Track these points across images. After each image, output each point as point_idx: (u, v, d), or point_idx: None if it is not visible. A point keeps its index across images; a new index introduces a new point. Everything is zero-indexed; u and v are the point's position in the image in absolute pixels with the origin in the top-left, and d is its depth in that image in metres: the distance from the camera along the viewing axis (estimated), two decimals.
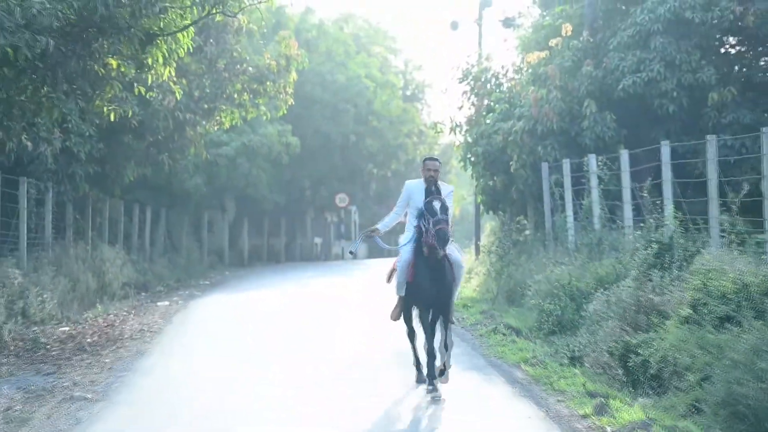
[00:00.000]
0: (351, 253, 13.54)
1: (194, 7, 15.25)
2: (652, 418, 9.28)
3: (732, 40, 21.91)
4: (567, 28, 22.87)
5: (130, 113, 18.06)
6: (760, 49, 21.47)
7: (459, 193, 55.34)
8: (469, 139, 25.17)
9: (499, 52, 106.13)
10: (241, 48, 23.61)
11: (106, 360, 13.14)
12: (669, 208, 15.39)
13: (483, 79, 25.35)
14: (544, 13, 26.64)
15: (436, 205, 10.87)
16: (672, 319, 11.36)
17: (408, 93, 49.12)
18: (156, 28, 14.66)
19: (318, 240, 45.94)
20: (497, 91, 25.01)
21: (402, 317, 11.74)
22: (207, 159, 28.15)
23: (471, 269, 25.41)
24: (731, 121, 20.17)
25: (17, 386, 11.21)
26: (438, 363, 11.34)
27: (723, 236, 14.33)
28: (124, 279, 22.66)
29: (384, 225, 11.51)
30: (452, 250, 11.28)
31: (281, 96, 23.38)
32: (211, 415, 9.79)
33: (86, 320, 16.91)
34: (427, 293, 11.09)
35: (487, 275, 21.94)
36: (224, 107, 22.74)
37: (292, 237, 43.87)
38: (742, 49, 21.85)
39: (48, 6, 12.99)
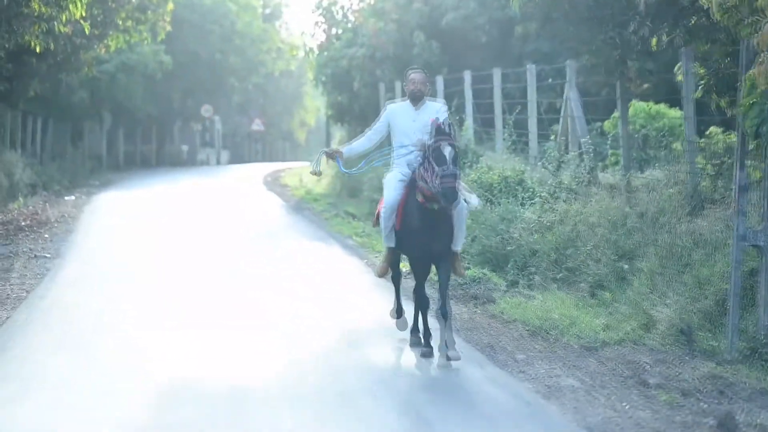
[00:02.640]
0: (314, 173, 10.24)
1: None
2: None
3: None
4: None
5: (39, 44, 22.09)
6: None
7: (314, 105, 60.07)
8: (321, 62, 29.83)
9: None
10: None
11: (46, 235, 17.53)
12: (467, 122, 20.48)
13: (333, 11, 29.92)
14: None
15: (447, 151, 8.63)
16: None
17: (267, 12, 53.45)
18: None
19: (185, 147, 50.20)
20: (344, 21, 29.65)
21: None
22: (89, 75, 32.03)
23: (322, 171, 30.39)
24: (533, 50, 25.18)
25: None
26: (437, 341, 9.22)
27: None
28: (27, 180, 26.74)
29: (349, 149, 9.81)
30: (462, 191, 9.16)
31: (160, 23, 27.60)
32: (136, 258, 14.66)
33: (12, 211, 21.11)
34: (420, 243, 9.11)
35: (333, 176, 26.77)
36: (111, 33, 26.75)
37: (161, 144, 48.28)
38: None
39: None
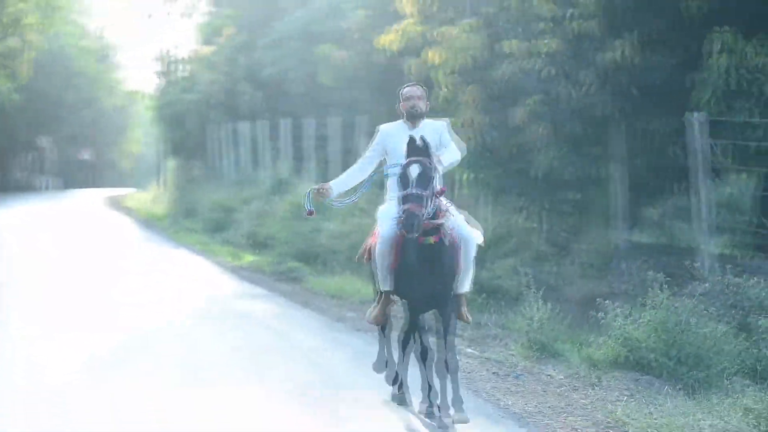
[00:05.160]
0: (309, 214, 8.67)
1: None
2: (259, 257, 19.84)
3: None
4: (229, 30, 33.08)
5: None
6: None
7: (140, 137, 64.86)
8: (159, 104, 35.11)
9: (183, 36, 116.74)
10: None
11: None
12: (288, 159, 26.24)
13: (172, 62, 35.22)
14: (214, 10, 36.68)
15: (413, 171, 7.77)
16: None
17: (103, 55, 58.33)
18: None
19: (23, 174, 54.56)
20: (182, 70, 34.99)
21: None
22: None
23: (157, 197, 35.57)
24: (339, 101, 31.00)
25: None
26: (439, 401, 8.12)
27: None
28: None
29: (339, 183, 8.64)
30: (459, 222, 8.18)
31: (21, 69, 32.42)
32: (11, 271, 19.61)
33: None
34: (418, 286, 8.03)
35: (171, 201, 31.93)
36: None
37: (4, 172, 52.62)
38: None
39: None
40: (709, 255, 12.67)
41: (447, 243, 7.95)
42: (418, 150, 7.88)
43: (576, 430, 8.02)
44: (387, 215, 8.23)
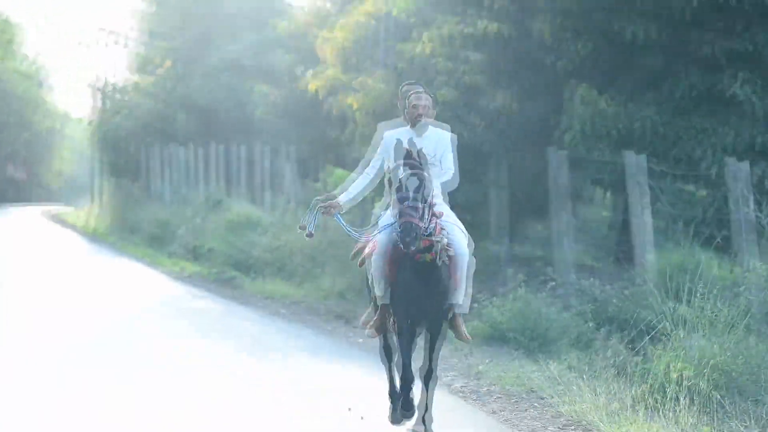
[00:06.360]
0: (308, 236, 8.24)
1: None
2: (201, 267, 22.95)
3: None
4: (168, 63, 36.14)
5: None
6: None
7: (71, 157, 67.52)
8: (100, 128, 37.98)
9: (116, 64, 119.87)
10: None
11: None
12: (219, 181, 29.37)
13: (109, 90, 38.14)
14: (148, 41, 39.71)
15: (411, 183, 7.59)
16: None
17: (40, 78, 61.02)
18: None
19: None
20: (119, 98, 37.93)
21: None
22: None
23: (95, 214, 38.48)
24: (269, 129, 34.21)
25: None
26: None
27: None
28: None
29: (348, 196, 8.27)
30: (454, 235, 7.96)
31: None
32: None
33: None
34: (412, 302, 7.89)
35: (112, 218, 34.74)
36: None
37: None
38: None
39: None
40: (565, 263, 16.10)
41: (443, 262, 7.81)
42: (414, 163, 7.71)
43: (452, 379, 11.38)
44: (389, 222, 7.99)
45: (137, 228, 30.97)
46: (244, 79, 33.44)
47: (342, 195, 8.30)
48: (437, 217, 7.82)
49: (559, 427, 9.26)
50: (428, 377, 8.25)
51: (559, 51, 16.82)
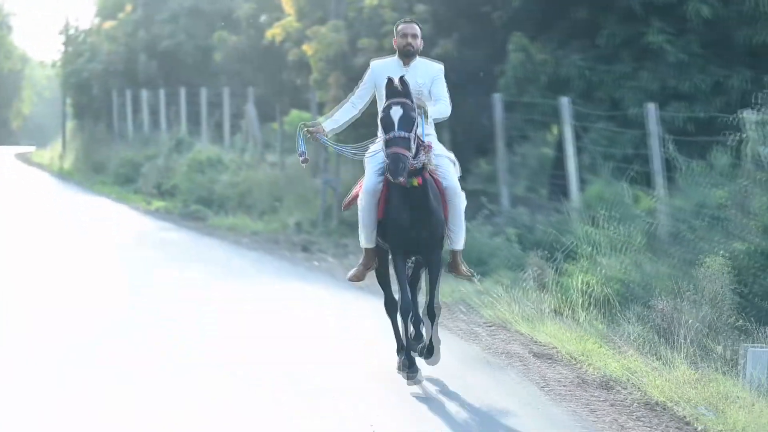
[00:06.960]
0: (304, 159, 8.36)
1: None
2: (167, 203, 24.57)
3: None
4: (129, 7, 37.37)
5: None
6: None
7: (31, 98, 68.48)
8: (66, 72, 39.21)
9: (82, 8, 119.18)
10: None
11: None
12: (183, 123, 30.87)
13: (75, 34, 39.34)
14: None
15: (395, 113, 7.62)
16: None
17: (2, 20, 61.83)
18: None
19: None
20: (84, 42, 39.13)
21: (373, 275, 8.55)
22: None
23: (62, 155, 39.86)
24: (229, 70, 35.60)
25: None
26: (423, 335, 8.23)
27: None
28: None
29: (332, 122, 8.34)
30: (444, 168, 8.17)
31: None
32: None
33: None
34: (405, 234, 7.93)
35: (79, 158, 36.11)
36: None
37: None
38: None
39: None
40: (503, 196, 17.88)
41: (432, 184, 7.85)
42: (396, 92, 7.74)
43: None
44: (375, 161, 8.09)
45: (104, 167, 32.41)
46: (204, 24, 34.85)
47: (327, 121, 8.43)
48: (426, 152, 7.87)
49: (483, 327, 11.11)
50: (432, 312, 8.40)
51: (495, 2, 18.45)
